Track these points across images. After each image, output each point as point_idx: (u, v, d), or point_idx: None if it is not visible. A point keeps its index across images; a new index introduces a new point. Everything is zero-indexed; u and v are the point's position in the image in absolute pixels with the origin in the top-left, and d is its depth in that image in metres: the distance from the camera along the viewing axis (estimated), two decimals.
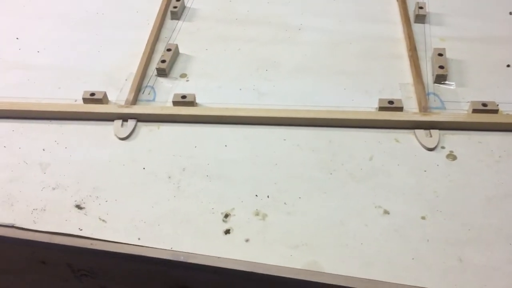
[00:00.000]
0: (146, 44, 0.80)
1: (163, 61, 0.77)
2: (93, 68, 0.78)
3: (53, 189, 0.62)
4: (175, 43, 0.80)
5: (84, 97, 0.71)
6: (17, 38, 0.84)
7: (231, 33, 0.84)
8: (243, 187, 0.61)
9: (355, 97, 0.71)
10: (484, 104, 0.66)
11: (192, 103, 0.70)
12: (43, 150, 0.66)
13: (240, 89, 0.74)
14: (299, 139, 0.66)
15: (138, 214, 0.59)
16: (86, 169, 0.64)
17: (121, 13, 0.89)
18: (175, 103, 0.70)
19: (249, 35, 0.83)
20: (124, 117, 0.69)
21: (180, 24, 0.86)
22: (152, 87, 0.75)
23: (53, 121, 0.70)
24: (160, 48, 0.81)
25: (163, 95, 0.74)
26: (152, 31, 0.82)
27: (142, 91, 0.74)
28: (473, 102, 0.67)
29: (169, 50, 0.79)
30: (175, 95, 0.71)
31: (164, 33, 0.84)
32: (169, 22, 0.87)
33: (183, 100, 0.70)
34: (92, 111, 0.69)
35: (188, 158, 0.64)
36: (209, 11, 0.89)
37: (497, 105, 0.66)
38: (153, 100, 0.73)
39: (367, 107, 0.69)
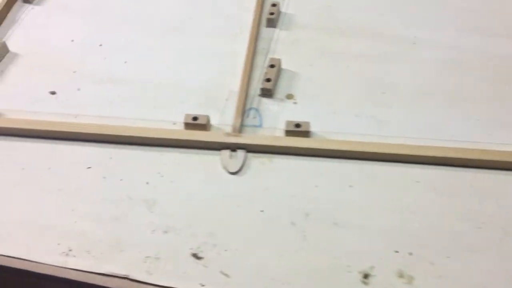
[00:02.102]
0: (246, 58, 0.72)
1: (268, 80, 0.69)
2: (187, 84, 0.71)
3: (165, 232, 0.56)
4: (276, 57, 0.73)
5: (186, 121, 0.64)
6: (100, 45, 0.77)
7: (335, 46, 0.75)
8: (379, 240, 0.54)
9: (491, 130, 0.63)
10: None
11: (307, 133, 0.63)
12: (147, 183, 0.60)
13: (356, 116, 0.66)
14: (434, 181, 0.58)
15: (264, 268, 0.52)
16: (197, 209, 0.57)
17: (210, 20, 0.81)
18: (288, 133, 0.63)
19: (356, 48, 0.75)
20: (232, 147, 0.63)
21: (277, 33, 0.78)
22: (257, 110, 0.67)
23: (152, 148, 0.64)
24: (259, 62, 0.73)
25: (270, 119, 0.66)
26: (250, 42, 0.74)
27: (246, 114, 0.67)
28: None
29: (272, 66, 0.71)
30: (288, 122, 0.63)
31: (261, 44, 0.76)
32: (265, 31, 0.79)
33: (297, 130, 0.63)
34: (197, 139, 0.63)
35: (310, 200, 0.58)
36: (306, 17, 0.80)
37: None
38: (260, 125, 0.66)
39: (509, 143, 0.61)
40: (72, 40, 0.78)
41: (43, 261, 0.53)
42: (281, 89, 0.70)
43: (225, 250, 0.54)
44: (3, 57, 0.74)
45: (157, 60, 0.75)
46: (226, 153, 0.62)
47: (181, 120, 0.65)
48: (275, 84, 0.70)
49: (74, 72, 0.73)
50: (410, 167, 0.60)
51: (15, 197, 0.59)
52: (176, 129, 0.64)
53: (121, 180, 0.60)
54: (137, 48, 0.76)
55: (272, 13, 0.78)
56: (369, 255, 0.53)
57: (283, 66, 0.73)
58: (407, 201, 0.57)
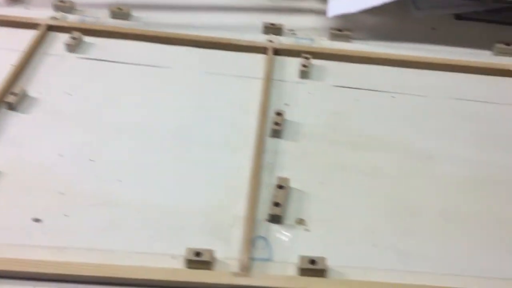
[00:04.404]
0: (251, 177, 0.66)
1: (277, 204, 0.63)
2: (188, 206, 0.64)
3: None
4: (284, 174, 0.67)
5: (187, 257, 0.57)
6: (91, 160, 0.70)
7: (346, 160, 0.70)
8: None
9: None
10: None
11: (322, 273, 0.56)
12: None
13: (374, 245, 0.60)
14: None
15: None
16: None
17: (211, 129, 0.75)
18: (303, 271, 0.56)
19: (370, 164, 0.70)
20: None
21: (283, 144, 0.73)
22: (265, 239, 0.61)
23: None
24: (266, 179, 0.67)
25: (280, 251, 0.59)
26: (255, 157, 0.69)
27: (253, 245, 0.60)
28: None
29: (281, 187, 0.65)
30: (302, 258, 0.57)
31: (267, 157, 0.71)
32: (270, 142, 0.73)
33: (312, 268, 0.56)
34: (200, 281, 0.56)
35: None
36: (314, 127, 0.75)
37: None
38: (269, 259, 0.59)
39: None
40: (61, 155, 0.71)
41: None
42: (291, 213, 0.64)
43: None
44: None
45: (154, 177, 0.68)
46: None
47: (181, 253, 0.58)
48: (284, 208, 0.64)
49: (62, 193, 0.66)
50: None
51: None
52: (176, 269, 0.57)
53: None
54: (132, 164, 0.70)
55: (277, 123, 0.73)
56: None
57: (292, 184, 0.67)
58: None
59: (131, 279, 0.56)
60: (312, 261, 0.56)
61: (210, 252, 0.57)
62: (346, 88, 0.82)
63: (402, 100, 0.79)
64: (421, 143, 0.72)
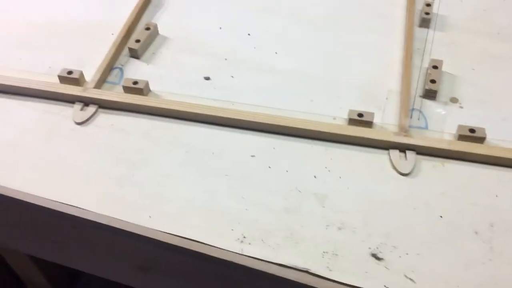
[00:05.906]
0: (404, 58, 0.69)
1: (433, 81, 0.66)
2: (342, 78, 0.69)
3: (339, 229, 0.54)
4: (438, 58, 0.70)
5: (350, 117, 0.62)
6: (248, 34, 0.76)
7: (497, 51, 0.71)
8: None
9: None
10: None
11: (482, 140, 0.60)
12: (315, 177, 0.58)
13: None
14: None
15: (450, 278, 0.50)
16: (370, 208, 0.55)
17: (360, 14, 0.78)
18: (461, 137, 0.60)
19: None
20: (401, 147, 0.60)
21: (432, 33, 0.75)
22: (420, 111, 0.65)
23: (315, 142, 0.62)
24: (416, 62, 0.70)
25: (435, 122, 0.63)
26: (407, 41, 0.72)
27: (409, 115, 0.64)
28: None
29: (435, 67, 0.68)
30: (461, 127, 0.60)
31: (416, 44, 0.73)
32: (418, 30, 0.76)
33: (472, 135, 0.60)
34: (366, 136, 0.61)
35: (492, 210, 0.54)
36: (461, 20, 0.77)
37: None
38: (425, 127, 0.63)
39: None
40: (220, 28, 0.77)
41: (219, 246, 0.52)
42: (444, 92, 0.67)
43: (406, 254, 0.51)
44: (154, 39, 0.75)
45: (308, 52, 0.73)
46: (396, 153, 0.60)
47: (340, 115, 0.64)
48: (439, 87, 0.67)
49: (226, 59, 0.72)
50: None
51: (182, 177, 0.59)
52: (344, 125, 0.62)
53: (287, 171, 0.59)
54: (287, 40, 0.75)
55: (427, 13, 0.75)
56: None
57: (443, 68, 0.69)
58: None
59: (303, 129, 0.61)
60: (472, 130, 0.60)
61: (371, 114, 0.62)
62: None
63: None
64: None
